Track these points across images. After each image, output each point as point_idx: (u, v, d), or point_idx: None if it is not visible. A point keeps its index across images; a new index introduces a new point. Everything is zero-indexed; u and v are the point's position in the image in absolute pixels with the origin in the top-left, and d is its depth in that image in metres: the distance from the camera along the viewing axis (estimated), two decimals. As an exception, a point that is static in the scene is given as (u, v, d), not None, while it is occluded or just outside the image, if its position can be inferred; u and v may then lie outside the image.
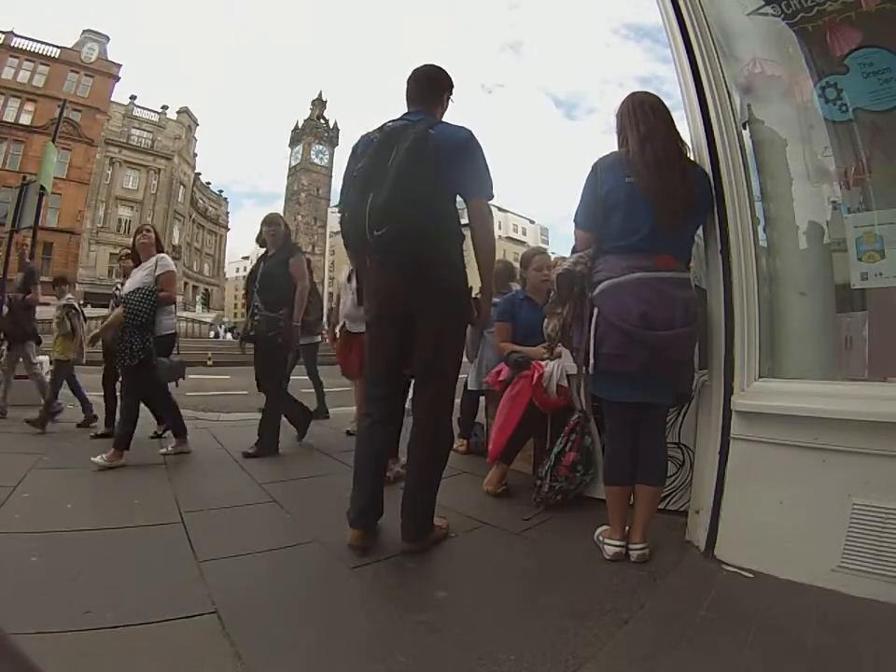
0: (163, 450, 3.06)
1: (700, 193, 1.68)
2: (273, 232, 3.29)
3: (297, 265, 3.27)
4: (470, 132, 1.75)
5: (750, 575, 1.55)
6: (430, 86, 1.88)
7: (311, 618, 1.34)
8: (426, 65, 1.90)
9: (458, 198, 1.78)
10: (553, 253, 3.33)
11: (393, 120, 1.78)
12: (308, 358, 4.55)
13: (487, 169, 1.76)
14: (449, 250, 1.75)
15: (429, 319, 1.73)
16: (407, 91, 1.88)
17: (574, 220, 1.78)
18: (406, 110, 1.86)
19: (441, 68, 1.91)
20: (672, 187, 1.60)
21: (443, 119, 1.88)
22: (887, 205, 1.59)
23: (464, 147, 1.72)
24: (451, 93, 1.92)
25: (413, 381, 1.87)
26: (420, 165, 1.61)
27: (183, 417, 3.24)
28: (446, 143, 1.67)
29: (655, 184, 1.60)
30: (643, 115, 1.67)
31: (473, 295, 1.87)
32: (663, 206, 1.60)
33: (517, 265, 3.42)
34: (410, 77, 1.88)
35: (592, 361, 1.64)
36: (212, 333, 24.62)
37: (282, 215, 3.91)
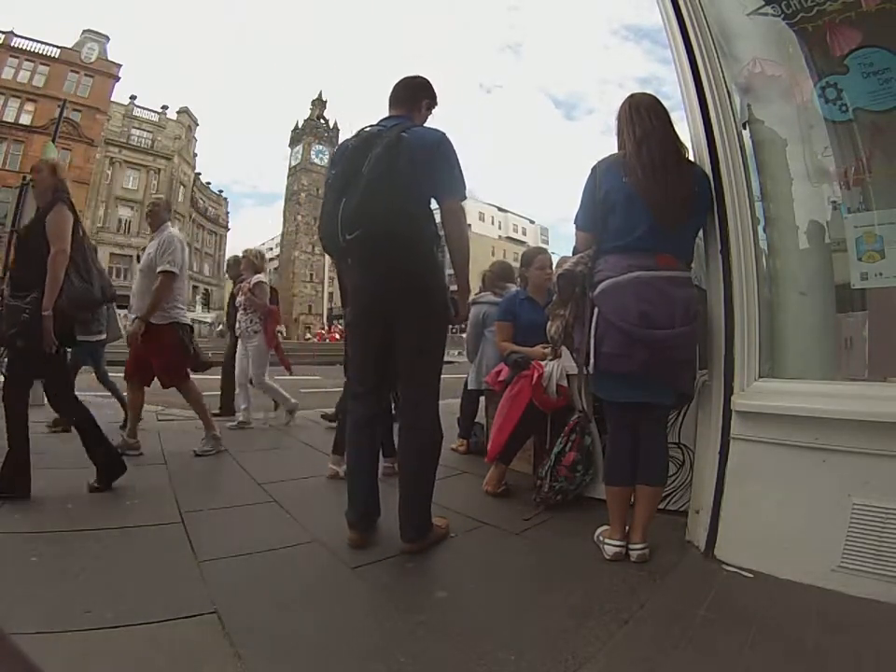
0: None
1: (699, 193, 1.68)
2: (36, 181, 2.31)
3: (55, 221, 2.17)
4: (443, 133, 1.77)
5: (750, 575, 1.55)
6: (410, 91, 1.91)
7: (311, 618, 1.34)
8: (412, 75, 1.96)
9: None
10: (553, 253, 3.33)
11: (370, 126, 1.81)
12: (92, 362, 3.86)
13: (460, 170, 1.77)
14: (425, 251, 1.76)
15: (409, 320, 1.75)
16: (390, 96, 1.92)
17: (574, 222, 1.79)
18: (387, 114, 1.88)
19: (425, 79, 1.96)
20: (670, 188, 1.60)
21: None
22: (887, 205, 1.59)
23: (437, 149, 1.73)
24: (431, 103, 1.94)
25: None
26: (393, 169, 1.63)
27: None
28: (419, 145, 1.69)
29: (653, 186, 1.60)
30: (639, 118, 1.67)
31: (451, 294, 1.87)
32: (661, 207, 1.60)
33: (516, 265, 3.43)
34: (394, 84, 1.93)
35: (592, 361, 1.64)
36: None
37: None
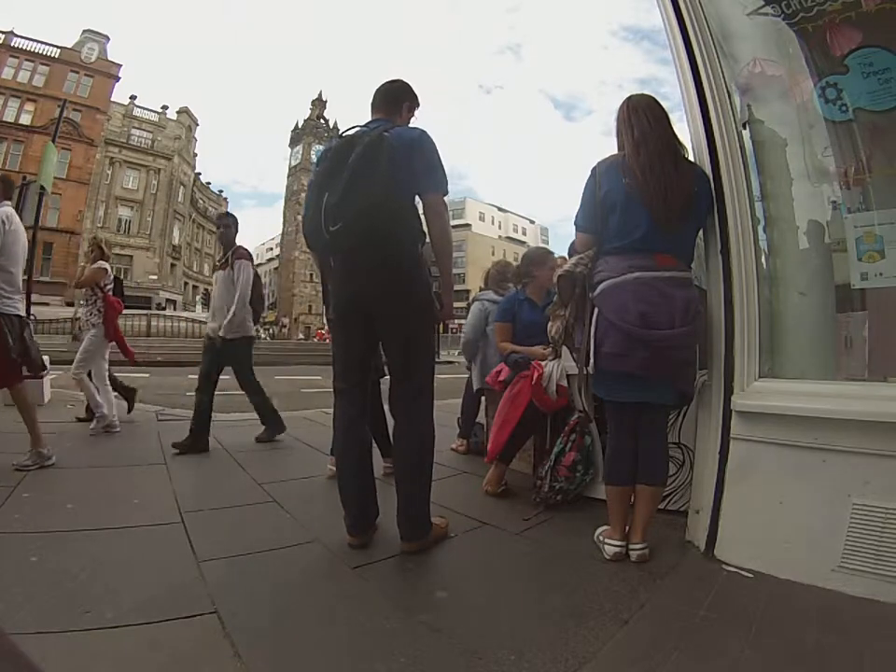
0: None
1: (699, 193, 1.68)
2: None
3: None
4: (423, 130, 1.78)
5: (750, 575, 1.55)
6: (390, 95, 1.92)
7: (311, 618, 1.34)
8: (392, 79, 1.97)
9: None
10: (552, 253, 3.33)
11: (352, 127, 1.83)
12: None
13: (440, 165, 1.77)
14: (409, 247, 1.76)
15: (395, 319, 1.75)
16: (371, 101, 1.93)
17: (574, 223, 1.79)
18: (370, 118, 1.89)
19: (405, 83, 1.97)
20: (669, 189, 1.60)
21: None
22: (887, 205, 1.59)
23: (416, 144, 1.73)
24: (413, 105, 1.95)
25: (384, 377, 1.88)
26: (375, 166, 1.63)
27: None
28: (400, 143, 1.70)
29: (651, 187, 1.60)
30: (637, 119, 1.68)
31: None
32: (660, 208, 1.60)
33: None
34: (375, 90, 1.94)
35: (592, 361, 1.65)
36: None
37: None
